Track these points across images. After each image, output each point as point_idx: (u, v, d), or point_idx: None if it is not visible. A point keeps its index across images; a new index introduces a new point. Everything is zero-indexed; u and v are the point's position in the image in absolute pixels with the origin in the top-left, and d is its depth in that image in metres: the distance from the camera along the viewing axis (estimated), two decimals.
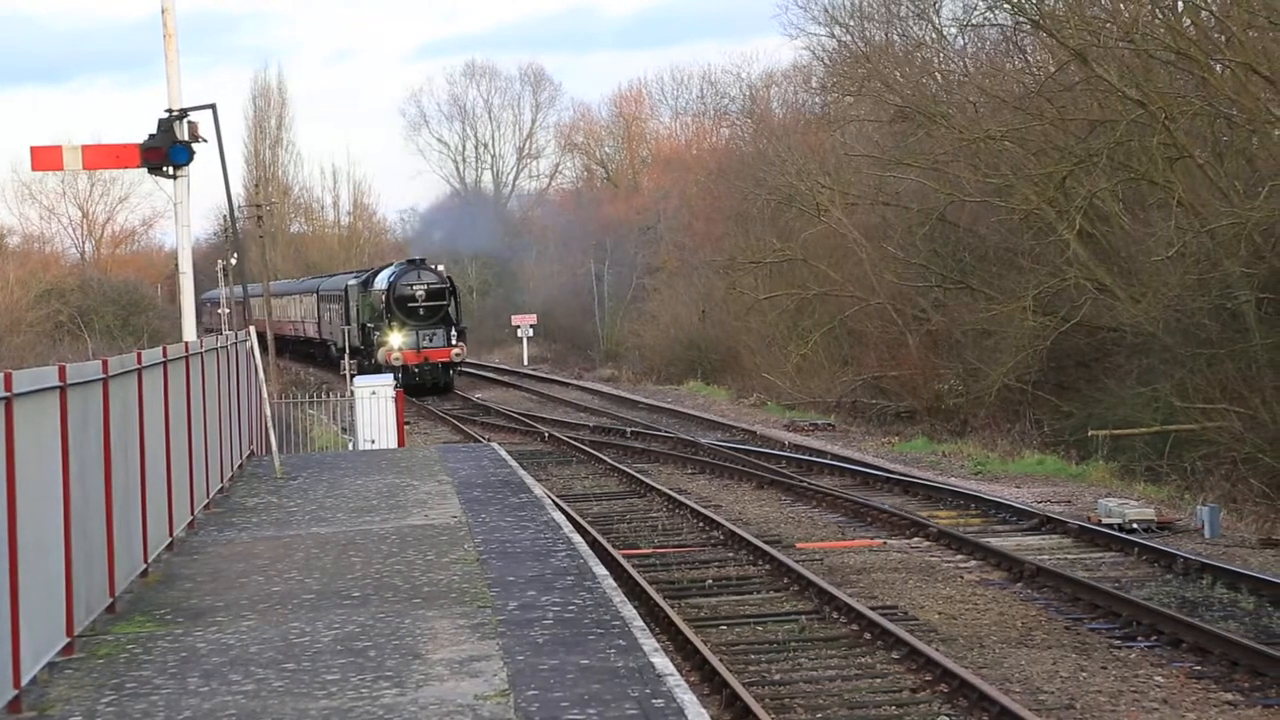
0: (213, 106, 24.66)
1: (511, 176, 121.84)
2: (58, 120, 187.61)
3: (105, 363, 15.04)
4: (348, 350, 66.06)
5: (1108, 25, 39.51)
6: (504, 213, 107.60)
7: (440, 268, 67.56)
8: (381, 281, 66.12)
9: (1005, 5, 43.64)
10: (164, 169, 24.08)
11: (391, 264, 71.49)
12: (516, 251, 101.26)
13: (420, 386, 61.89)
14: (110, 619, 14.80)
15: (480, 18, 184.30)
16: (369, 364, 65.01)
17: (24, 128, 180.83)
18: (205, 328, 76.90)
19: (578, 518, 26.84)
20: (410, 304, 63.53)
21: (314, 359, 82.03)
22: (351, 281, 71.97)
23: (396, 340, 62.63)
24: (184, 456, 19.67)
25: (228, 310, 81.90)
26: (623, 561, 22.75)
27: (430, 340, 63.21)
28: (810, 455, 37.30)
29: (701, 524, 27.34)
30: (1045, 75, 43.39)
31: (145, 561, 16.70)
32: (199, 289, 32.49)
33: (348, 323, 70.40)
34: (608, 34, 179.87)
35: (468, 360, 68.88)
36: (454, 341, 63.63)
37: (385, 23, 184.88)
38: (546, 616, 14.27)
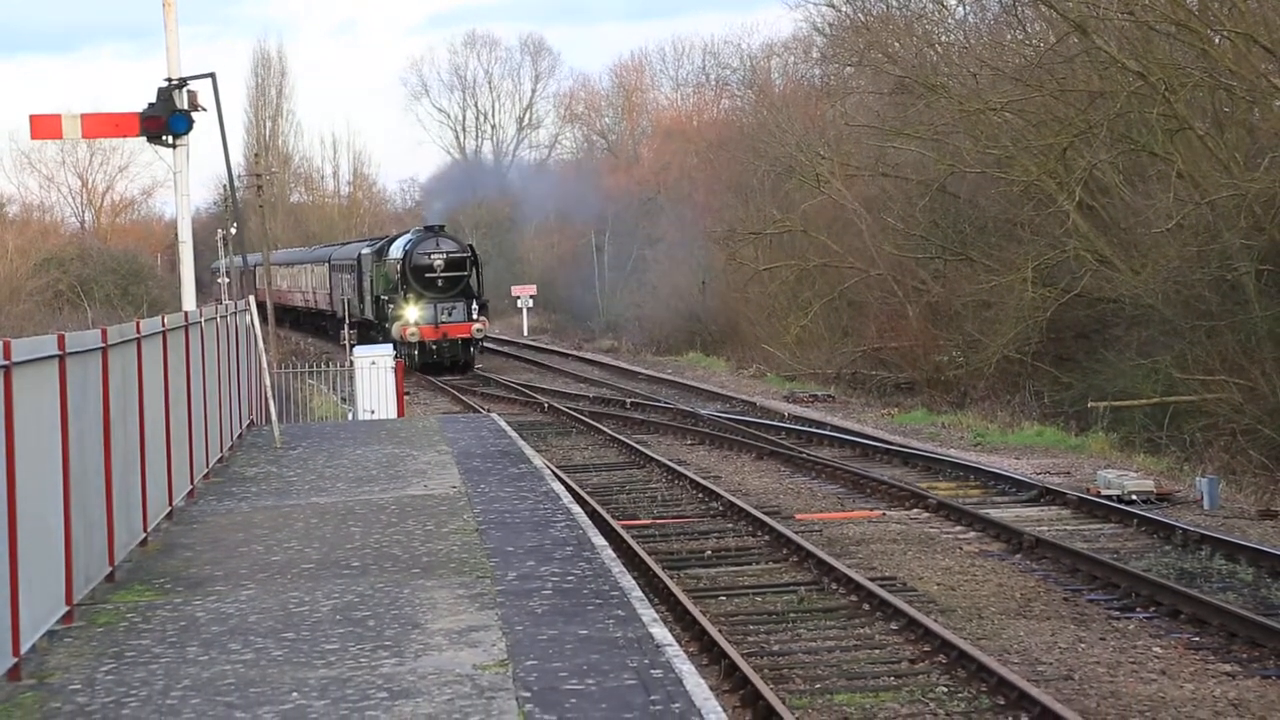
0: (212, 76, 24.63)
1: (511, 147, 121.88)
2: (61, 89, 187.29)
3: (104, 332, 15.03)
4: (347, 320, 64.91)
5: None
6: (504, 183, 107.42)
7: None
8: (397, 250, 60.86)
9: None
10: (163, 138, 24.03)
11: (408, 231, 65.96)
12: (516, 222, 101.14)
13: (439, 365, 57.51)
14: (110, 588, 14.81)
15: None
16: (383, 340, 59.63)
17: (27, 97, 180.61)
18: (215, 299, 76.40)
19: (577, 488, 26.86)
20: (428, 274, 58.06)
21: (326, 332, 77.20)
22: (365, 250, 67.15)
23: (412, 314, 57.51)
24: (183, 426, 19.68)
25: (227, 279, 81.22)
26: (622, 532, 22.77)
27: (449, 314, 57.91)
28: (810, 426, 37.32)
29: (701, 495, 27.36)
30: (1045, 47, 43.31)
31: (145, 530, 16.72)
32: (199, 259, 32.42)
33: (360, 294, 66.25)
34: (616, 5, 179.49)
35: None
36: (475, 316, 58.22)
37: None
38: (545, 587, 14.29)
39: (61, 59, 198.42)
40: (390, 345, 43.49)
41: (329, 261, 76.04)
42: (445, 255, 58.75)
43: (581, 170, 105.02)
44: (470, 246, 61.05)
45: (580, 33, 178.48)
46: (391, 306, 59.25)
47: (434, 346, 57.44)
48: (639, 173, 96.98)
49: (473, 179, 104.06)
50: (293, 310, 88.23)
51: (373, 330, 62.68)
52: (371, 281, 63.78)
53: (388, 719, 10.47)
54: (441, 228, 61.63)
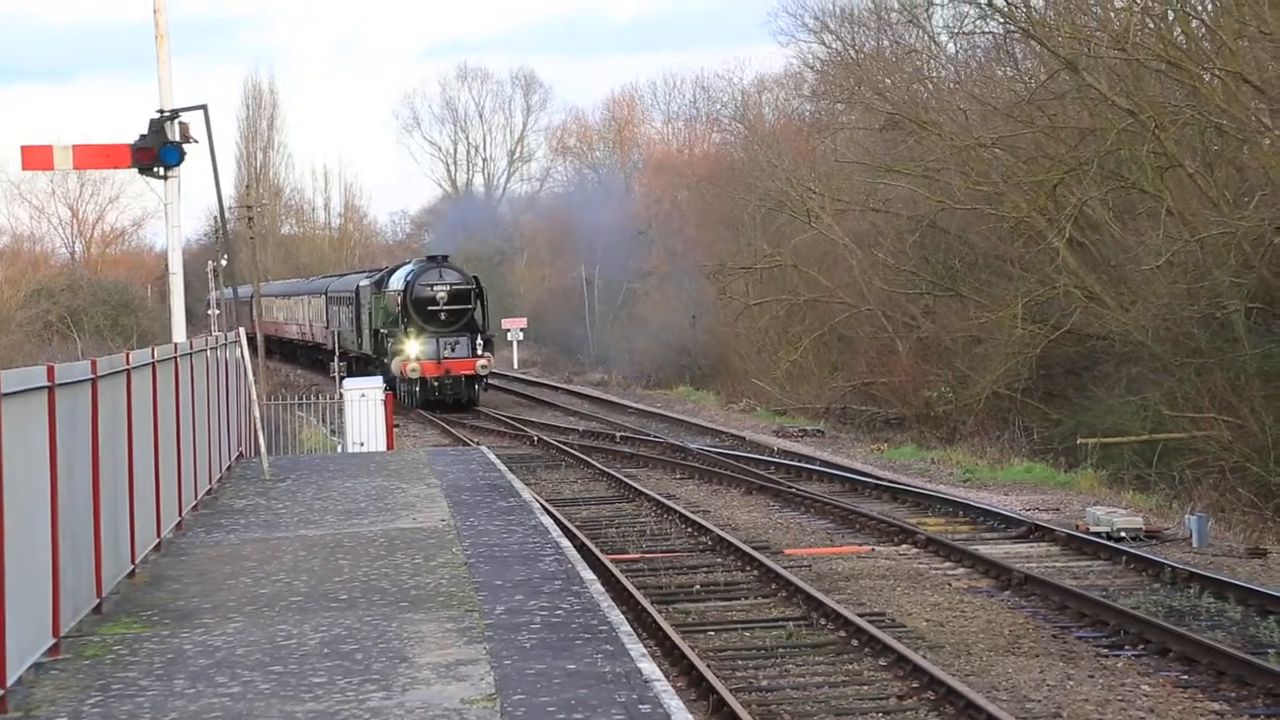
0: (204, 107, 24.67)
1: (503, 180, 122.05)
2: (55, 118, 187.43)
3: (94, 363, 15.01)
4: (337, 352, 63.91)
5: (1098, 34, 39.61)
6: (495, 216, 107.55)
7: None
8: (397, 281, 57.94)
9: (996, 14, 43.75)
10: (155, 169, 24.06)
11: (408, 261, 63.30)
12: (507, 255, 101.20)
13: (440, 402, 54.47)
14: (97, 620, 14.77)
15: (482, 22, 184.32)
16: (383, 376, 58.24)
17: (19, 126, 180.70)
18: (205, 330, 75.89)
19: (566, 522, 26.82)
20: (430, 307, 54.98)
21: (322, 365, 72.10)
22: (364, 281, 64.41)
23: (413, 349, 54.41)
24: (172, 458, 19.65)
25: (217, 311, 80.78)
26: (611, 566, 22.74)
27: (452, 350, 54.68)
28: (799, 461, 37.32)
29: (690, 529, 27.33)
30: (1036, 83, 43.50)
31: (133, 562, 16.68)
32: (190, 290, 32.42)
33: (358, 328, 63.71)
34: (611, 36, 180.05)
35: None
36: (479, 351, 55.01)
37: (387, 26, 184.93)
38: (534, 621, 14.26)
39: (57, 88, 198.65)
40: (380, 378, 42.56)
41: (326, 293, 73.75)
42: (449, 287, 55.69)
43: (573, 203, 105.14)
44: (475, 278, 57.59)
45: (575, 65, 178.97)
46: (391, 340, 56.51)
47: (435, 383, 54.45)
48: (630, 206, 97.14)
49: (464, 214, 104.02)
50: (289, 343, 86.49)
51: (370, 366, 59.64)
52: (370, 314, 61.36)
53: None
54: (445, 258, 58.48)
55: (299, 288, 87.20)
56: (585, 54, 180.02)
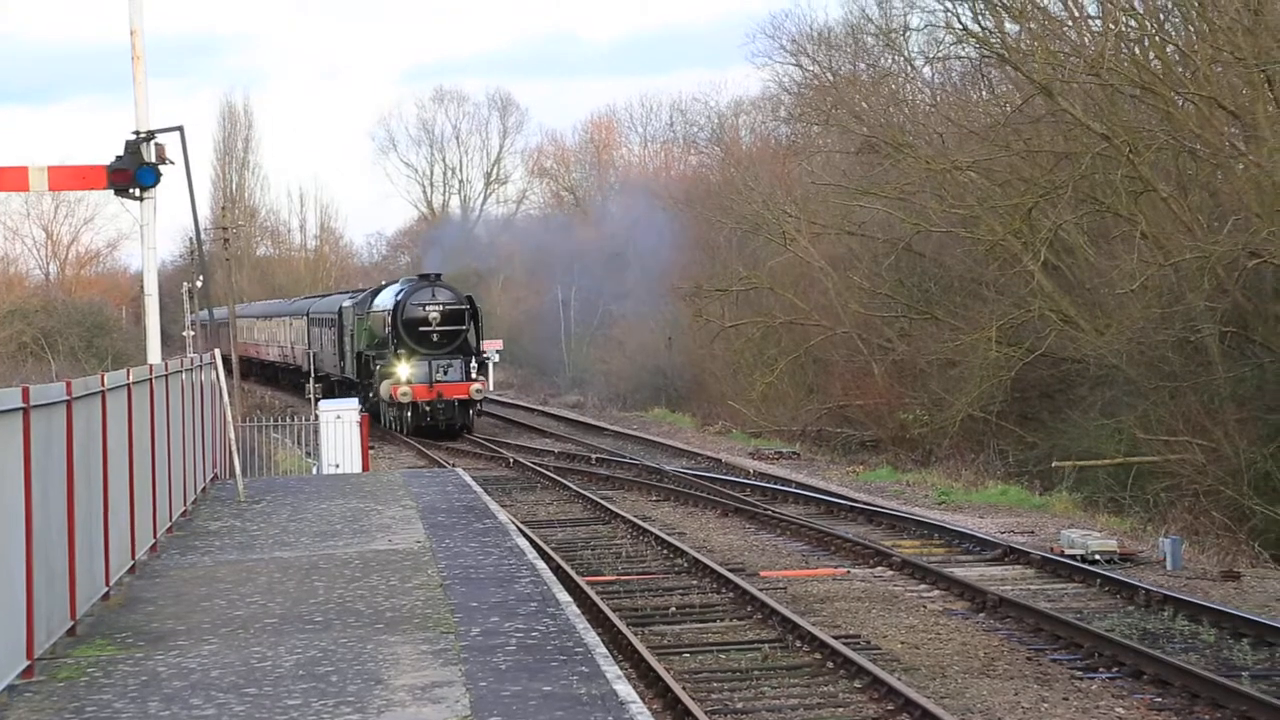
0: (180, 129, 24.65)
1: (479, 202, 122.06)
2: (36, 140, 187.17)
3: (69, 385, 14.99)
4: (313, 374, 63.26)
5: (1073, 59, 39.79)
6: (471, 238, 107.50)
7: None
8: (385, 301, 55.15)
9: (972, 39, 43.92)
10: (131, 191, 24.04)
11: (395, 281, 60.72)
12: (483, 276, 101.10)
13: (432, 429, 51.88)
14: (71, 642, 14.73)
15: (465, 45, 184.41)
16: (364, 402, 53.31)
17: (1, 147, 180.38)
18: (181, 352, 75.15)
19: (542, 544, 26.79)
20: (422, 328, 52.34)
21: (303, 391, 68.32)
22: (346, 302, 61.98)
23: (404, 372, 51.62)
24: (147, 480, 19.61)
25: (193, 333, 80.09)
26: (586, 588, 22.72)
27: (445, 373, 51.97)
28: (775, 483, 37.33)
29: (666, 551, 27.33)
30: (1011, 108, 43.67)
31: (107, 584, 16.64)
32: (165, 312, 32.34)
33: (340, 350, 61.29)
34: (593, 59, 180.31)
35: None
36: (474, 375, 52.43)
37: (372, 50, 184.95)
38: (509, 643, 14.26)
39: (38, 110, 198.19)
40: (355, 400, 42.04)
41: (308, 315, 71.41)
42: (441, 307, 52.93)
43: (549, 225, 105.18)
44: (469, 298, 54.99)
45: (558, 87, 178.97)
46: (380, 363, 53.58)
47: (428, 408, 51.78)
48: (607, 228, 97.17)
49: (440, 236, 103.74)
50: (270, 366, 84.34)
51: (353, 391, 56.60)
52: (353, 337, 58.85)
53: None
54: (438, 276, 55.19)
55: (280, 309, 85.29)
56: (568, 77, 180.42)
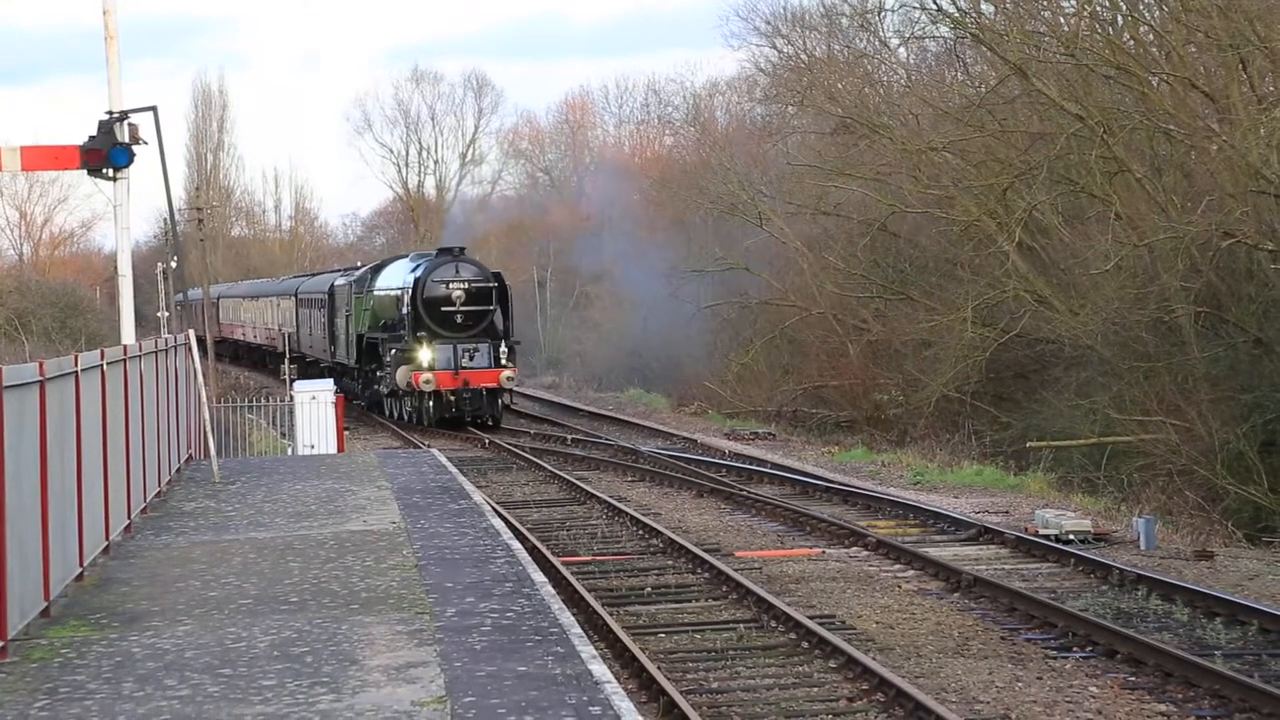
0: (154, 109, 24.57)
1: (454, 182, 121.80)
2: (17, 121, 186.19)
3: (42, 365, 14.94)
4: (288, 355, 62.13)
5: (1048, 39, 39.83)
6: (447, 218, 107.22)
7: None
8: (395, 278, 50.55)
9: (946, 19, 43.94)
10: (104, 171, 23.95)
11: (403, 256, 55.25)
12: None
13: (457, 420, 47.68)
14: (45, 623, 14.70)
15: (446, 27, 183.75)
16: (365, 390, 51.91)
17: None
18: (155, 333, 74.17)
19: (517, 524, 26.82)
20: (444, 308, 47.23)
21: (298, 373, 60.30)
22: (339, 280, 56.64)
23: (425, 357, 46.74)
24: (121, 460, 19.56)
25: (167, 314, 79.22)
26: (561, 569, 22.74)
27: (471, 358, 47.02)
28: (750, 464, 37.38)
29: (641, 532, 27.35)
30: (986, 88, 43.71)
31: (81, 565, 16.59)
32: (139, 292, 32.26)
33: (331, 334, 56.71)
34: (575, 41, 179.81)
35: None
36: (503, 361, 47.44)
37: (352, 32, 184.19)
38: (484, 623, 14.26)
39: (18, 90, 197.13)
40: (331, 381, 41.04)
41: (296, 294, 66.49)
42: (466, 285, 47.67)
43: (525, 206, 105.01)
44: (498, 275, 49.74)
45: (539, 69, 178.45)
46: (394, 348, 48.31)
47: (453, 398, 47.18)
48: (583, 208, 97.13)
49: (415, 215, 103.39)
50: (256, 349, 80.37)
51: (350, 378, 53.04)
52: (348, 318, 53.86)
53: None
54: (462, 250, 49.85)
55: (266, 288, 79.91)
56: (549, 58, 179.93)
